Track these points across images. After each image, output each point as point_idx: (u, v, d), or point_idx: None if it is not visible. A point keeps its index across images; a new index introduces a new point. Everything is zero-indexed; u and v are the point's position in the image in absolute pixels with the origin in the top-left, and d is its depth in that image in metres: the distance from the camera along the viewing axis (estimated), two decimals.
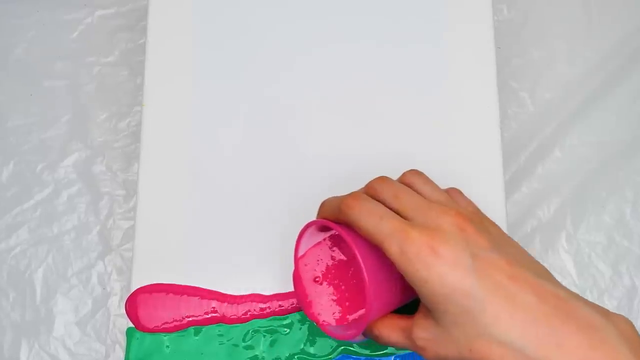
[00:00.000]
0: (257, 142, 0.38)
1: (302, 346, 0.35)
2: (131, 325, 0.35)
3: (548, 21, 0.47)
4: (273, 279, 0.36)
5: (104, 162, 0.45)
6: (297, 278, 0.33)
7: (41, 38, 0.47)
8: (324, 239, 0.33)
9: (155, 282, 0.36)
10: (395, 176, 0.31)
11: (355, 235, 0.29)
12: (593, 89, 0.46)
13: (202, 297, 0.35)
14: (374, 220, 0.28)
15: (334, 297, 0.33)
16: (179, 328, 0.35)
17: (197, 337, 0.35)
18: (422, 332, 0.28)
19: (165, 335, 0.35)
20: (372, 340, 0.32)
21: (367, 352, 0.35)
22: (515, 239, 0.33)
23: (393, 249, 0.27)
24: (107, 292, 0.42)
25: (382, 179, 0.30)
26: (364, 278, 0.28)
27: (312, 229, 0.32)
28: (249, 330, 0.35)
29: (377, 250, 0.29)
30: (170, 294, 0.35)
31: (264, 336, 0.35)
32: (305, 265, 0.33)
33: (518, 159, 0.45)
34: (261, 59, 0.39)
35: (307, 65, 0.39)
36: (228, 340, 0.35)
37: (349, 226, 0.29)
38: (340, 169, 0.37)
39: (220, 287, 0.36)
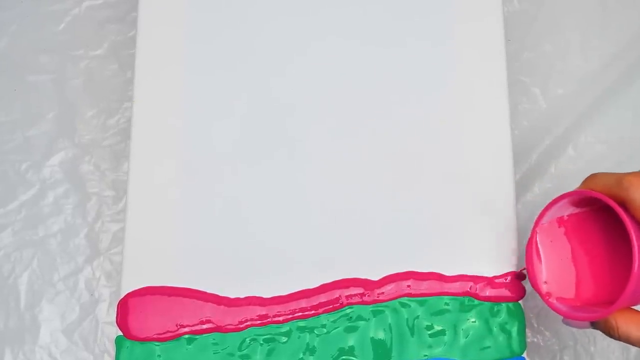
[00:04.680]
0: (253, 141, 0.37)
1: (301, 355, 0.34)
2: (120, 333, 0.34)
3: (561, 13, 0.47)
4: (270, 281, 0.35)
5: (91, 161, 0.44)
6: (530, 247, 0.33)
7: (25, 30, 0.46)
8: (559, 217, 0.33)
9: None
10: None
11: (630, 217, 0.29)
12: (608, 84, 0.46)
13: (197, 300, 0.35)
14: None
15: (563, 275, 0.33)
16: (171, 337, 0.34)
17: (190, 346, 0.34)
18: None
19: (156, 345, 0.34)
20: (597, 329, 0.31)
21: None
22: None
23: None
24: (95, 298, 0.42)
25: None
26: (635, 264, 0.28)
27: (565, 201, 0.31)
28: (245, 339, 0.34)
29: None
30: (165, 296, 0.35)
31: (261, 345, 0.34)
32: (540, 236, 0.33)
33: (529, 158, 0.45)
34: (259, 52, 0.38)
35: (308, 61, 0.38)
36: (223, 350, 0.34)
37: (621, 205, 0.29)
38: (343, 169, 0.37)
39: (216, 292, 0.35)
